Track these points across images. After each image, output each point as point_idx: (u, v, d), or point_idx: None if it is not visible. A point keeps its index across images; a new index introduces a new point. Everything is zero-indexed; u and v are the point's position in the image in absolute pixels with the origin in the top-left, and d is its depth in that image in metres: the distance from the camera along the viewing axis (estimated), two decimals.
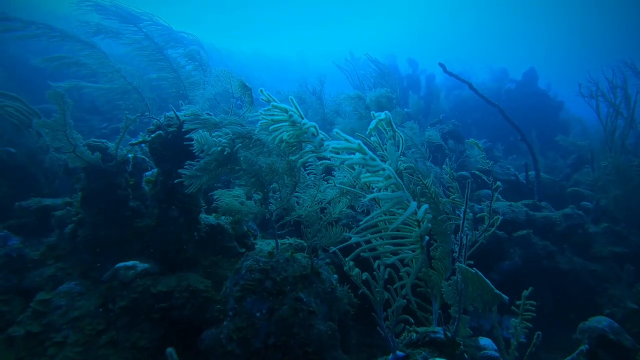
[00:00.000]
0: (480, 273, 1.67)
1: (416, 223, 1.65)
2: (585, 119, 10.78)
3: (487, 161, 2.58)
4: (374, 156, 1.17)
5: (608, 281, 5.39)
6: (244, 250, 3.17)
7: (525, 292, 2.30)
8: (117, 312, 2.30)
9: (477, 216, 2.68)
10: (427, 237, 1.73)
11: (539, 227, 5.42)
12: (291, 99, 1.27)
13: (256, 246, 3.43)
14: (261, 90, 1.33)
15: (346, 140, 1.11)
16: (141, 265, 2.55)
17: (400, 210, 1.75)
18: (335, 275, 2.95)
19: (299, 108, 1.28)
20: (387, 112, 1.25)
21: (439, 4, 53.13)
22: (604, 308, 4.99)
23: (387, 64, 11.55)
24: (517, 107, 10.06)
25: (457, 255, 2.05)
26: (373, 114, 1.22)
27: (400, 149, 1.96)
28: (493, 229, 2.25)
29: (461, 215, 2.01)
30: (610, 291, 5.22)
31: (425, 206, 1.24)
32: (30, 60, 6.08)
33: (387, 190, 1.31)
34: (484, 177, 2.55)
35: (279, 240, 3.63)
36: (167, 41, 5.19)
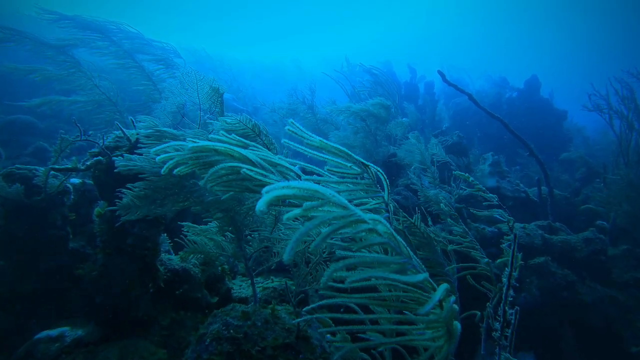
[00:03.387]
0: None
1: (431, 288, 1.09)
2: (589, 128, 10.38)
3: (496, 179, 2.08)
4: (347, 204, 0.69)
5: (631, 311, 4.88)
6: (216, 299, 2.56)
7: None
8: None
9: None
10: (459, 326, 1.15)
11: (557, 252, 4.86)
12: None
13: (233, 291, 2.82)
14: None
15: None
16: (72, 334, 1.93)
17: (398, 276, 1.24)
18: (328, 335, 2.36)
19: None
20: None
21: (439, 11, 53.21)
22: (630, 344, 4.50)
23: (383, 71, 11.05)
24: (519, 116, 9.61)
25: (497, 334, 1.47)
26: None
27: (386, 188, 1.45)
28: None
29: (504, 278, 1.44)
30: (637, 323, 4.72)
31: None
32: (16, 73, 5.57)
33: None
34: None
35: (262, 283, 3.02)
36: (138, 49, 4.63)
